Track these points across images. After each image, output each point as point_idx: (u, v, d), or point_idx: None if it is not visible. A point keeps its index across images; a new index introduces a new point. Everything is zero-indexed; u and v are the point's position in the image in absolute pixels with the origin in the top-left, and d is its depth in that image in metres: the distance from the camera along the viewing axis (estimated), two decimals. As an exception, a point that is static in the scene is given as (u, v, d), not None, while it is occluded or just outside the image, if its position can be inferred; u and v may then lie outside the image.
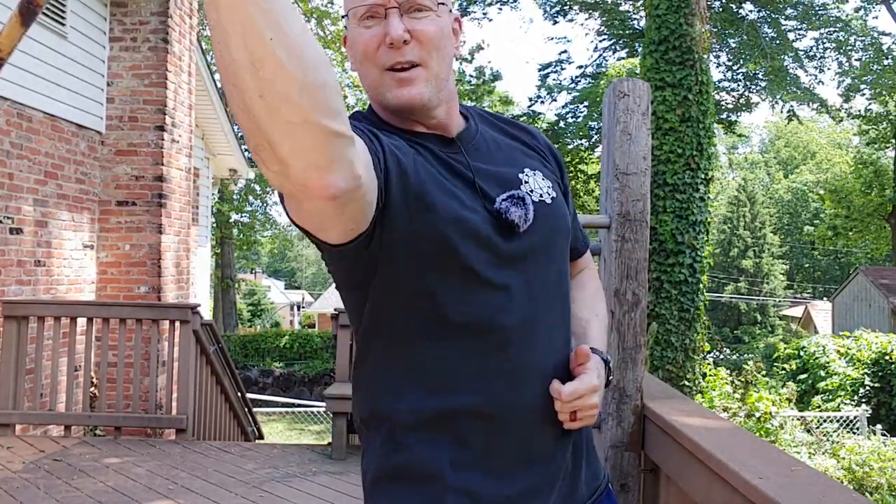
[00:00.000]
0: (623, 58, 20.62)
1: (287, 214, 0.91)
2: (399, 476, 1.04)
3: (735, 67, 19.90)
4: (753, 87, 19.76)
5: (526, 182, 1.09)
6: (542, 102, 21.39)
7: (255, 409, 7.28)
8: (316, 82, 0.71)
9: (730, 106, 20.23)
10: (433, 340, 1.02)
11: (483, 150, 1.11)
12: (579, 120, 20.31)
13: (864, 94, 21.50)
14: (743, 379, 10.51)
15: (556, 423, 1.06)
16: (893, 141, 24.32)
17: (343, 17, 1.07)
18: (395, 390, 1.03)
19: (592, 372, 1.06)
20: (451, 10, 1.09)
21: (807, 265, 41.90)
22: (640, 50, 14.76)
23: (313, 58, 0.71)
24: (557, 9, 20.85)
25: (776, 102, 19.76)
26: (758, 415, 8.62)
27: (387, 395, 1.04)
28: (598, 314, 1.23)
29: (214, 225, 21.35)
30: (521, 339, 1.03)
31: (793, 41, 19.60)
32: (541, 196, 1.09)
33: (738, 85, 20.03)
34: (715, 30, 17.11)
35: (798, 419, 10.27)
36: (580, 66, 22.21)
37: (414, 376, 1.03)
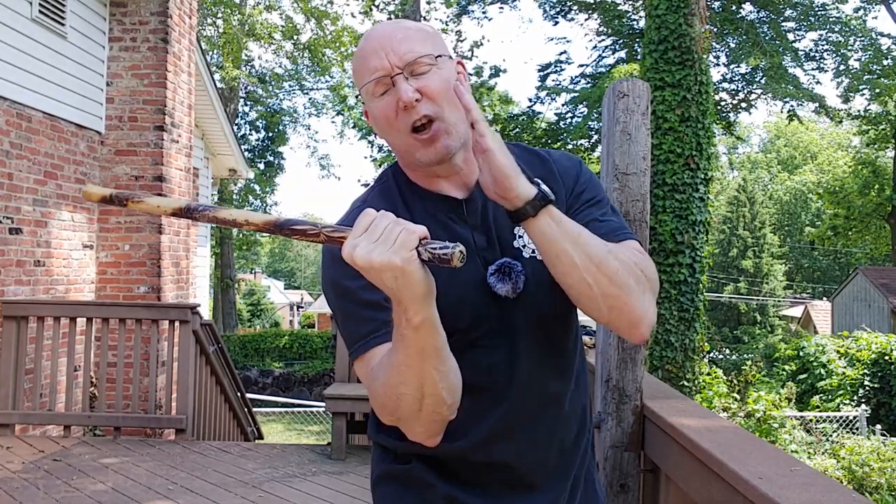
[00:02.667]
0: (623, 59, 20.60)
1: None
2: (397, 479, 1.20)
3: (734, 67, 19.89)
4: (753, 85, 19.74)
5: (520, 237, 1.15)
6: (542, 103, 21.38)
7: (254, 409, 7.28)
8: (457, 401, 1.02)
9: (730, 106, 20.22)
10: None
11: (490, 206, 1.16)
12: (579, 120, 20.30)
13: (863, 95, 21.50)
14: (742, 379, 10.52)
15: (553, 462, 1.19)
16: (893, 141, 24.32)
17: (357, 95, 1.16)
18: (399, 432, 1.14)
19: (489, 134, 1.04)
20: (450, 57, 1.16)
21: (807, 265, 41.90)
22: (639, 50, 14.77)
23: (459, 384, 1.02)
24: (557, 9, 20.85)
25: (775, 101, 19.76)
26: (758, 415, 8.62)
27: (392, 432, 1.16)
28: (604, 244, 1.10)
29: (214, 225, 21.30)
30: (518, 393, 1.14)
31: (792, 42, 19.60)
32: (533, 252, 1.14)
33: (738, 85, 20.02)
34: (714, 30, 17.11)
35: (798, 419, 10.28)
36: (580, 66, 22.22)
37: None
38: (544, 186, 1.03)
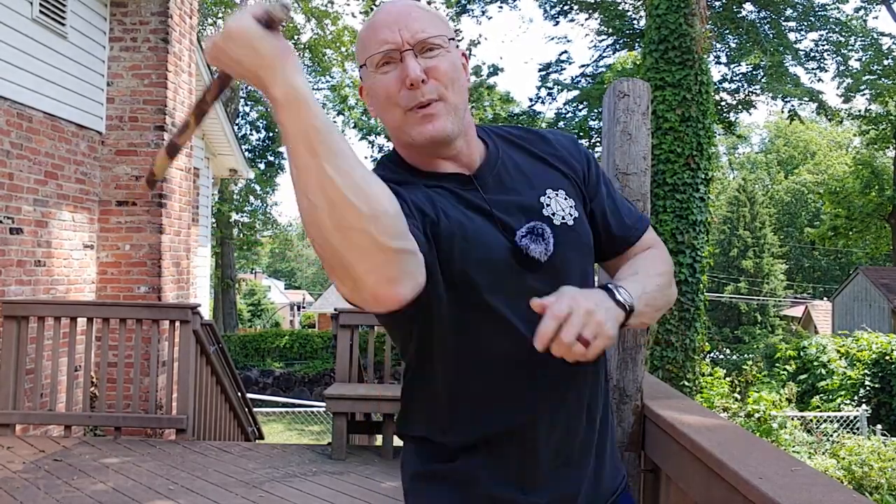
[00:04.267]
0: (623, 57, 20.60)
1: (346, 300, 0.97)
2: (436, 477, 1.14)
3: (735, 67, 19.89)
4: (754, 83, 19.74)
5: (548, 205, 1.13)
6: (542, 102, 21.38)
7: (255, 409, 7.28)
8: (378, 212, 0.85)
9: (730, 106, 20.21)
10: (468, 373, 1.10)
11: (505, 178, 1.15)
12: (579, 120, 20.30)
13: (863, 95, 21.49)
14: (743, 379, 10.51)
15: (584, 435, 1.15)
16: (894, 141, 24.32)
17: (361, 66, 1.13)
18: (436, 420, 1.14)
19: (564, 297, 0.97)
20: (457, 46, 1.14)
21: (807, 265, 41.89)
22: (639, 49, 14.76)
23: (375, 192, 0.86)
24: (558, 9, 20.85)
25: (776, 100, 19.75)
26: (758, 415, 8.62)
27: (429, 423, 1.15)
28: (644, 270, 1.16)
29: (214, 225, 21.34)
30: (547, 363, 1.05)
31: (793, 42, 19.60)
32: (563, 219, 1.13)
33: (739, 85, 20.01)
34: (715, 29, 17.11)
35: (798, 419, 10.27)
36: (581, 66, 22.22)
37: (451, 408, 1.12)
38: (620, 297, 1.04)
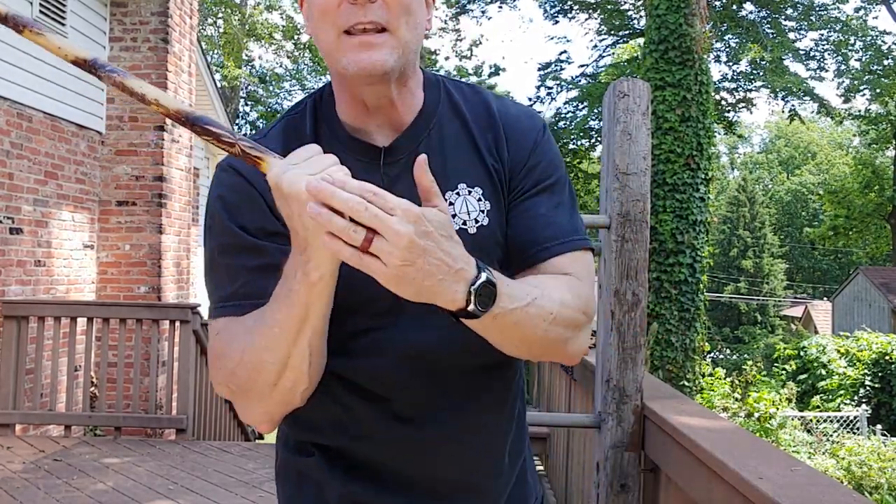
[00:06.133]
0: (624, 60, 20.61)
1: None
2: (297, 474, 1.05)
3: (734, 66, 19.89)
4: (754, 80, 19.73)
5: (451, 204, 0.94)
6: (542, 102, 21.38)
7: (255, 409, 7.27)
8: (312, 388, 0.92)
9: (730, 105, 20.21)
10: (326, 388, 0.96)
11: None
12: (579, 119, 20.31)
13: (864, 95, 21.50)
14: (743, 379, 10.52)
15: (481, 464, 1.01)
16: (894, 141, 24.32)
17: None
18: (306, 423, 1.01)
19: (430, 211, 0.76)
20: None
21: (807, 265, 41.90)
22: (641, 46, 14.73)
23: (321, 371, 0.92)
24: (557, 8, 20.85)
25: (776, 98, 19.75)
26: (758, 415, 8.62)
27: (298, 423, 1.02)
28: (536, 285, 0.90)
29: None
30: (414, 385, 0.96)
31: (793, 41, 19.60)
32: (464, 224, 0.95)
33: (739, 83, 20.01)
34: (715, 29, 17.11)
35: (798, 419, 10.27)
36: (581, 66, 22.21)
37: (317, 416, 0.99)
38: (484, 275, 0.78)
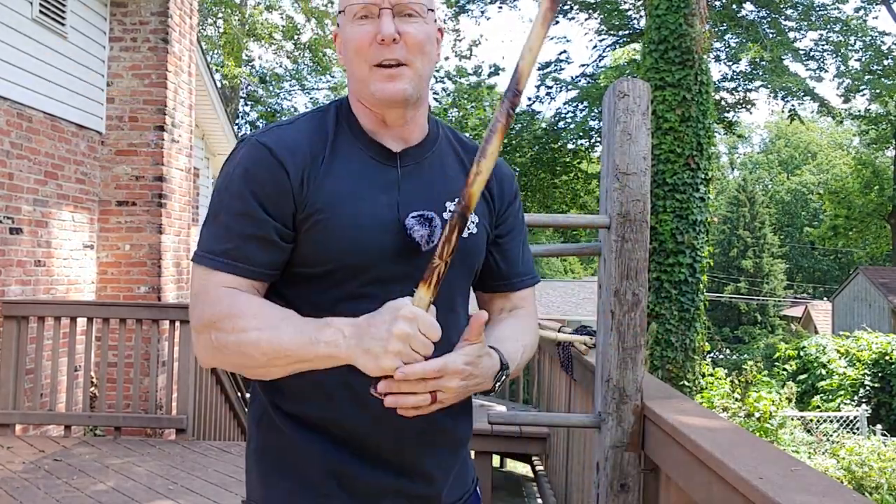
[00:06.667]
0: (624, 60, 20.59)
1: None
2: (278, 451, 1.16)
3: (734, 66, 19.88)
4: (754, 79, 19.72)
5: (451, 211, 1.14)
6: (541, 102, 21.36)
7: (255, 409, 7.26)
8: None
9: (730, 105, 20.21)
10: None
11: (425, 172, 1.19)
12: (579, 120, 20.30)
13: (863, 95, 21.50)
14: (743, 379, 10.51)
15: (429, 442, 1.17)
16: (894, 141, 24.32)
17: (339, 13, 1.17)
18: (284, 392, 1.16)
19: (470, 353, 1.04)
20: (436, 20, 1.19)
21: (807, 265, 41.90)
22: (639, 48, 14.73)
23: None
24: (557, 8, 20.81)
25: (776, 98, 19.75)
26: (758, 415, 8.62)
27: (277, 392, 1.16)
28: (518, 339, 1.22)
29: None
30: None
31: (793, 41, 19.60)
32: None
33: (739, 83, 20.00)
34: (715, 29, 17.11)
35: (798, 419, 10.28)
36: (581, 66, 22.18)
37: (299, 384, 1.13)
38: (504, 373, 1.12)
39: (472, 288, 1.29)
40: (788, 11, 19.49)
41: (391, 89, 1.11)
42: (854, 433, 10.35)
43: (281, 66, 26.68)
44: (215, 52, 22.70)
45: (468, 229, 1.18)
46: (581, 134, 19.98)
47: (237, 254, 1.08)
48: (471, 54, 22.31)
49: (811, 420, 10.57)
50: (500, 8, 22.91)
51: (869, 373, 12.79)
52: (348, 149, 1.15)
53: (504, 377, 1.12)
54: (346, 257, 1.09)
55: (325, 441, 1.14)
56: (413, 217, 1.12)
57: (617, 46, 21.33)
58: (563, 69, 21.62)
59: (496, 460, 5.19)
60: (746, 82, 19.99)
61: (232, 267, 1.08)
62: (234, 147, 1.17)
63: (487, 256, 1.25)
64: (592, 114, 19.60)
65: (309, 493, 1.14)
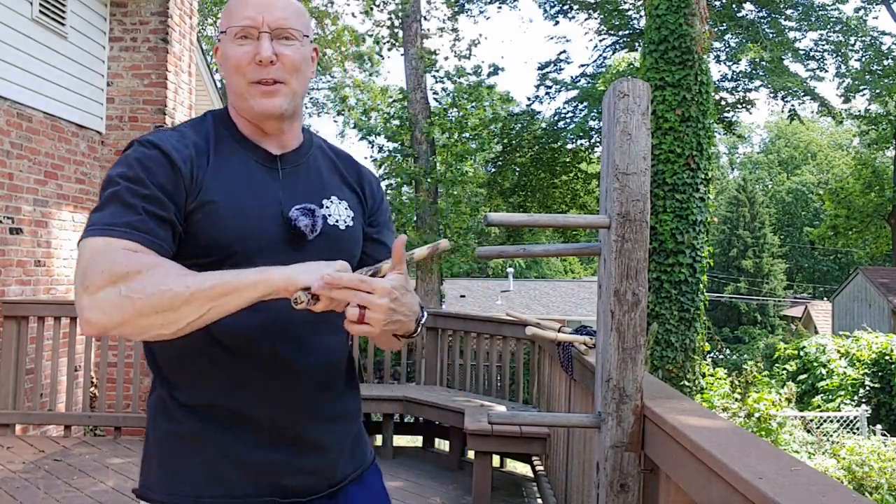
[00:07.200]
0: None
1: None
2: (174, 439, 1.23)
3: (734, 65, 19.88)
4: (754, 79, 19.70)
5: (327, 207, 1.30)
6: (541, 102, 21.36)
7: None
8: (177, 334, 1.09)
9: (730, 105, 20.19)
10: (200, 347, 1.19)
11: (302, 173, 1.31)
12: (579, 120, 20.28)
13: (863, 95, 21.49)
14: (743, 379, 10.52)
15: (316, 416, 1.27)
16: (894, 141, 24.32)
17: (221, 32, 1.26)
18: (176, 383, 1.23)
19: (398, 280, 1.10)
20: (311, 41, 1.31)
21: (807, 265, 41.90)
22: (639, 49, 14.74)
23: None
24: (557, 8, 20.82)
25: (776, 98, 19.74)
26: (758, 415, 8.62)
27: (171, 384, 1.24)
28: None
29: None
30: (285, 349, 1.22)
31: (793, 41, 19.59)
32: (336, 222, 1.30)
33: (739, 82, 19.99)
34: (714, 29, 17.10)
35: (798, 419, 10.27)
36: (581, 66, 22.16)
37: (187, 373, 1.22)
38: (425, 312, 1.21)
39: None
40: (788, 11, 19.49)
41: (268, 105, 1.23)
42: (854, 433, 10.35)
43: (281, 66, 26.64)
44: (215, 52, 22.68)
45: (345, 221, 1.31)
46: (581, 134, 19.95)
47: (142, 226, 1.11)
48: (470, 54, 22.25)
49: (811, 420, 10.56)
50: (500, 8, 22.92)
51: (869, 373, 12.79)
52: (231, 152, 1.26)
53: (423, 320, 1.20)
54: (235, 244, 1.17)
55: (220, 426, 1.21)
56: (297, 209, 1.23)
57: (617, 47, 21.31)
58: (562, 69, 21.62)
59: (496, 460, 5.19)
60: (746, 82, 19.98)
61: (137, 236, 1.09)
62: (122, 152, 1.23)
63: (364, 247, 1.37)
64: (592, 114, 19.58)
65: (211, 479, 1.20)
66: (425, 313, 1.21)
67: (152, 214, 1.12)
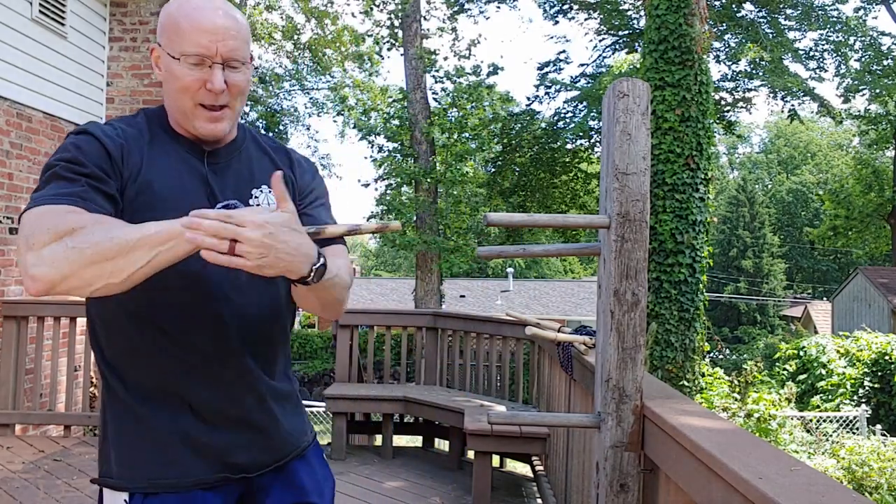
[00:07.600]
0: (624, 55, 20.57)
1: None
2: (126, 427, 1.30)
3: (733, 65, 19.87)
4: (754, 79, 19.70)
5: (256, 197, 1.37)
6: (540, 102, 21.34)
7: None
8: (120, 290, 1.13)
9: (729, 105, 20.19)
10: (133, 327, 1.28)
11: (234, 165, 1.38)
12: (579, 120, 20.27)
13: (863, 95, 21.49)
14: (743, 379, 10.52)
15: (258, 397, 1.36)
16: (894, 141, 24.33)
17: (173, 54, 1.27)
18: (123, 371, 1.30)
19: (275, 216, 1.10)
20: (252, 60, 1.37)
21: (807, 265, 41.91)
22: (639, 49, 14.75)
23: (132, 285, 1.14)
24: (557, 8, 20.82)
25: (776, 98, 19.73)
26: (757, 415, 8.62)
27: (119, 373, 1.31)
28: (333, 259, 1.29)
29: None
30: (226, 334, 1.29)
31: (792, 41, 19.59)
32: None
33: (739, 82, 19.99)
34: (714, 29, 17.11)
35: (798, 419, 10.28)
36: (581, 66, 22.15)
37: (134, 364, 1.30)
38: (322, 259, 1.19)
39: None
40: (788, 11, 19.48)
41: (213, 129, 1.31)
42: (854, 433, 10.35)
43: (281, 66, 26.67)
44: (215, 52, 22.63)
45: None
46: (581, 134, 19.94)
47: (85, 195, 1.15)
48: (469, 54, 22.23)
49: (811, 420, 10.56)
50: (499, 8, 22.91)
51: (868, 373, 12.79)
52: (165, 147, 1.32)
53: (321, 269, 1.18)
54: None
55: (168, 411, 1.28)
56: (220, 206, 1.28)
57: (617, 47, 21.30)
58: (562, 69, 21.60)
59: (496, 460, 5.19)
60: (746, 82, 19.97)
61: (81, 203, 1.13)
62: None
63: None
64: (592, 114, 19.57)
65: (165, 462, 1.28)
66: (324, 261, 1.19)
67: (94, 188, 1.18)
